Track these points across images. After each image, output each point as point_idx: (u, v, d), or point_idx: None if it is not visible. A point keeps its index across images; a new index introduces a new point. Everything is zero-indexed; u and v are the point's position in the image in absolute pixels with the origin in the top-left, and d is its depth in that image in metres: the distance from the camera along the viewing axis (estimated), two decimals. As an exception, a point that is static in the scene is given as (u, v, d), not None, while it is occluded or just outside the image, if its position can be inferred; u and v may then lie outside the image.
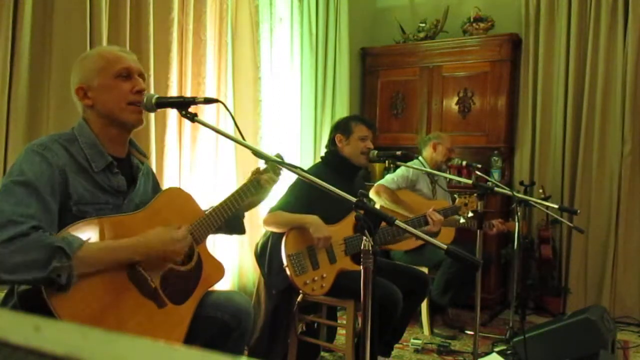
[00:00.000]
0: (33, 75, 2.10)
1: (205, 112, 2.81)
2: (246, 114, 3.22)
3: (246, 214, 1.91)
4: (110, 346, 0.34)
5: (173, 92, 2.64)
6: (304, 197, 2.36)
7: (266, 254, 2.45)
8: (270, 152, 1.73)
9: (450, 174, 3.68)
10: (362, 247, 1.31)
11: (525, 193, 3.74)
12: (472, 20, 4.20)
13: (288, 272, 2.27)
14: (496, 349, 2.85)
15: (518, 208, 2.67)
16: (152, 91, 2.45)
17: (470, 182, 2.55)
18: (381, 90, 4.52)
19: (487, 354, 2.67)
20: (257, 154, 1.47)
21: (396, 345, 2.72)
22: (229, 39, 3.05)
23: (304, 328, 2.58)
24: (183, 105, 1.42)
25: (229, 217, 1.68)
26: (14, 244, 1.17)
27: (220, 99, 2.36)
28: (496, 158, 4.05)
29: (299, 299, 2.45)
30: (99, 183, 1.43)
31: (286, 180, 2.44)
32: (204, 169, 2.89)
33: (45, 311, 1.19)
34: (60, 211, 1.33)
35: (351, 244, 2.43)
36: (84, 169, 1.40)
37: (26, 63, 2.06)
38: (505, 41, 4.03)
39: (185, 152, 2.79)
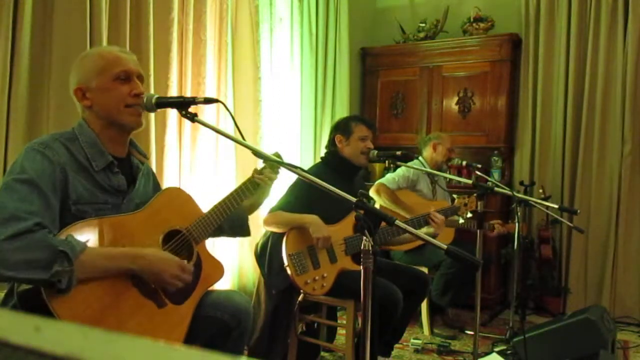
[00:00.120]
0: (33, 75, 2.10)
1: (205, 112, 2.81)
2: (246, 114, 3.22)
3: (247, 214, 1.92)
4: (110, 346, 0.34)
5: (173, 92, 2.64)
6: (304, 197, 2.36)
7: (266, 254, 2.45)
8: (270, 152, 1.73)
9: (450, 174, 3.68)
10: (362, 247, 1.31)
11: (525, 193, 3.74)
12: (472, 20, 4.20)
13: (289, 272, 2.27)
14: (496, 349, 2.85)
15: (518, 208, 2.67)
16: (152, 91, 2.45)
17: (470, 182, 2.55)
18: (381, 90, 4.52)
19: (487, 354, 2.67)
20: (257, 153, 1.47)
21: (396, 345, 2.72)
22: (229, 39, 3.05)
23: (304, 328, 2.58)
24: (183, 105, 1.42)
25: (228, 217, 1.68)
26: (19, 240, 1.17)
27: (220, 99, 2.36)
28: (496, 158, 4.05)
29: (299, 298, 2.45)
30: (99, 182, 1.43)
31: (286, 180, 2.45)
32: (204, 169, 2.89)
33: (45, 311, 1.19)
34: (59, 210, 1.33)
35: (351, 244, 2.43)
36: (84, 168, 1.40)
37: (26, 63, 2.06)
38: (505, 41, 4.03)
39: (185, 152, 2.79)
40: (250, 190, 1.75)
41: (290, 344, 2.52)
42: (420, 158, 3.51)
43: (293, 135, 3.71)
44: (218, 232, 1.82)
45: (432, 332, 3.30)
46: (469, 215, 2.69)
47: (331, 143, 2.64)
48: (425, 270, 3.10)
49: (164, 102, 1.45)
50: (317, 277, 2.32)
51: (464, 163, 3.32)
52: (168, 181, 2.63)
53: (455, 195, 2.90)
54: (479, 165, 3.09)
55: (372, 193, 3.22)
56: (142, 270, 1.36)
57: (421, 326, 3.33)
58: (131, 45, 2.39)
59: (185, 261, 1.47)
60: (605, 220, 3.77)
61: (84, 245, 1.24)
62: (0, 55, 1.98)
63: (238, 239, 3.07)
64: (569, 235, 3.91)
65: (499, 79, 4.05)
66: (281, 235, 2.32)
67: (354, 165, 2.60)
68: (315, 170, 2.60)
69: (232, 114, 2.00)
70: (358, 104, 4.62)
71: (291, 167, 1.42)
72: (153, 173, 1.73)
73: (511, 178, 4.17)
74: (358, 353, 2.31)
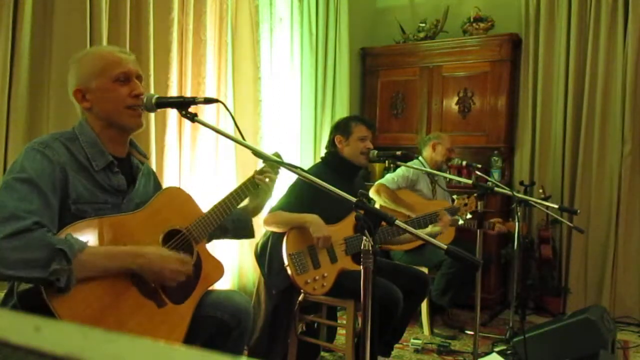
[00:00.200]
0: (33, 75, 2.10)
1: (205, 112, 2.81)
2: (246, 114, 3.22)
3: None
4: (110, 346, 0.34)
5: (173, 92, 2.64)
6: (304, 197, 2.36)
7: (266, 254, 2.45)
8: (270, 152, 1.73)
9: (450, 174, 3.68)
10: (362, 247, 1.31)
11: (525, 193, 3.74)
12: (472, 20, 4.20)
13: (289, 271, 2.27)
14: (496, 349, 2.85)
15: (518, 208, 2.67)
16: (152, 91, 2.45)
17: (470, 182, 2.55)
18: (381, 90, 4.52)
19: (487, 354, 2.66)
20: (257, 153, 1.47)
21: (396, 345, 2.72)
22: (229, 39, 3.05)
23: (304, 328, 2.58)
24: (183, 105, 1.42)
25: (228, 217, 1.69)
26: (17, 239, 1.17)
27: (220, 99, 2.36)
28: (496, 158, 4.05)
29: (300, 298, 2.45)
30: (99, 182, 1.43)
31: (286, 180, 2.45)
32: (204, 169, 2.89)
33: (45, 311, 1.19)
34: (59, 210, 1.33)
35: (351, 243, 2.43)
36: (84, 167, 1.40)
37: (26, 63, 2.06)
38: (505, 41, 4.03)
39: (185, 152, 2.79)
40: (250, 190, 1.75)
41: (290, 344, 2.52)
42: (420, 158, 3.51)
43: (293, 135, 3.71)
44: (223, 234, 1.82)
45: (432, 332, 3.30)
46: (469, 216, 2.69)
47: (331, 143, 2.64)
48: (425, 270, 3.10)
49: (164, 102, 1.45)
50: (317, 277, 2.32)
51: (464, 163, 3.32)
52: (168, 181, 2.63)
53: (455, 196, 2.90)
54: (479, 165, 3.09)
55: (372, 194, 3.22)
56: (142, 269, 1.36)
57: (421, 326, 3.33)
58: (131, 45, 2.39)
59: (183, 254, 1.47)
60: (605, 220, 3.77)
61: (82, 244, 1.25)
62: (0, 55, 1.98)
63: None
64: (569, 235, 3.91)
65: (499, 79, 4.05)
66: (281, 235, 2.32)
67: (354, 166, 2.60)
68: (315, 170, 2.60)
69: (232, 114, 2.00)
70: (358, 104, 4.62)
71: (291, 167, 1.42)
72: (154, 173, 1.73)
73: (511, 178, 4.17)
74: (358, 353, 2.31)
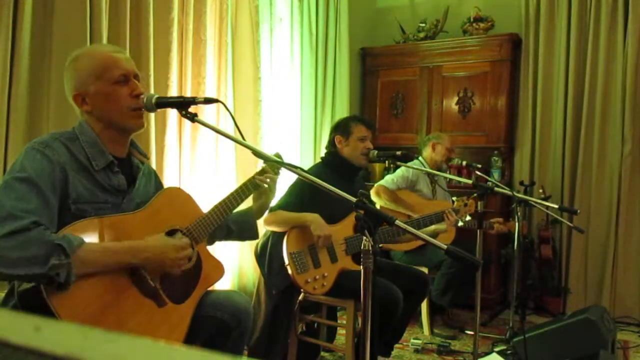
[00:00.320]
0: (33, 75, 2.10)
1: (205, 112, 2.81)
2: (246, 114, 3.22)
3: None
4: (110, 346, 0.34)
5: (173, 92, 2.64)
6: (305, 197, 2.37)
7: (266, 254, 2.45)
8: (270, 152, 1.73)
9: (450, 174, 3.68)
10: (362, 247, 1.31)
11: (525, 193, 3.74)
12: (472, 20, 4.20)
13: (289, 271, 2.27)
14: (496, 349, 2.85)
15: (518, 208, 2.67)
16: (152, 91, 2.45)
17: (470, 182, 2.55)
18: (381, 90, 4.52)
19: (487, 354, 2.66)
20: (257, 154, 1.47)
21: (396, 345, 2.72)
22: (229, 39, 3.05)
23: (304, 328, 2.58)
24: (183, 105, 1.42)
25: (227, 217, 1.69)
26: (14, 238, 1.17)
27: (220, 99, 2.36)
28: (496, 158, 4.05)
29: (300, 298, 2.45)
30: (99, 182, 1.43)
31: (287, 180, 2.45)
32: (204, 169, 2.89)
33: (46, 311, 1.19)
34: (59, 209, 1.32)
35: (352, 243, 2.43)
36: (84, 167, 1.40)
37: (26, 63, 2.06)
38: (505, 41, 4.03)
39: (185, 152, 2.79)
40: (251, 191, 1.76)
41: (290, 344, 2.52)
42: (420, 158, 3.51)
43: (293, 135, 3.71)
44: (227, 235, 1.83)
45: (432, 332, 3.30)
46: (468, 218, 2.70)
47: (331, 143, 2.64)
48: (425, 270, 3.10)
49: (164, 102, 1.45)
50: (317, 276, 2.32)
51: (464, 163, 3.32)
52: (168, 181, 2.63)
53: (454, 198, 2.90)
54: (479, 165, 3.09)
55: (372, 195, 3.22)
56: (143, 264, 1.37)
57: (421, 326, 3.33)
58: (131, 45, 2.39)
59: (179, 236, 1.47)
60: (605, 220, 3.77)
61: (81, 240, 1.24)
62: (0, 55, 1.98)
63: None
64: (569, 235, 3.91)
65: (499, 79, 4.05)
66: (281, 235, 2.32)
67: (354, 166, 2.60)
68: (316, 170, 2.60)
69: (232, 114, 2.00)
70: (358, 104, 4.62)
71: (291, 167, 1.42)
72: (155, 173, 1.73)
73: (511, 178, 4.17)
74: (358, 353, 2.31)
